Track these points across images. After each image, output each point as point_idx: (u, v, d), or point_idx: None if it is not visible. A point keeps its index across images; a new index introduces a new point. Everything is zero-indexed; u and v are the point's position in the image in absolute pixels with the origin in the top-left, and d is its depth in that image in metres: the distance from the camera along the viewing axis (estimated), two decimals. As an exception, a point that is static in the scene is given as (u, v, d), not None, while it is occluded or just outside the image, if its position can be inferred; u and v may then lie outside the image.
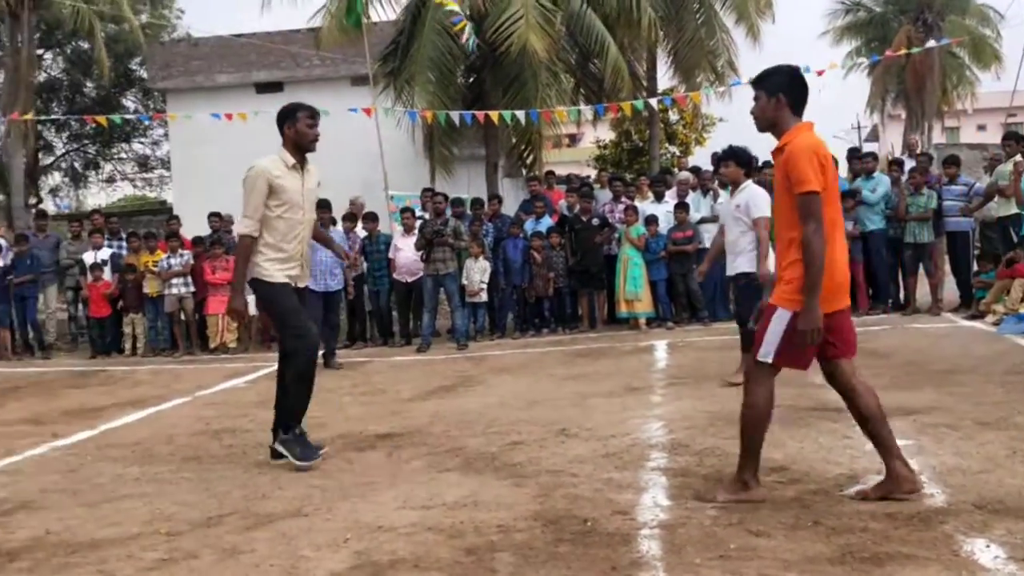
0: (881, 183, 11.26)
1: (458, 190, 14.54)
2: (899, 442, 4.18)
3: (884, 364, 7.67)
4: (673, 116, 23.78)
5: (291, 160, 5.32)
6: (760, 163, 9.88)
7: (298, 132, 5.31)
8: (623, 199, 12.11)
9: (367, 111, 14.20)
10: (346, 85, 18.70)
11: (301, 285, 5.46)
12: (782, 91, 4.03)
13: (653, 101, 17.46)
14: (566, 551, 3.61)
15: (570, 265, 11.68)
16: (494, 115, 14.32)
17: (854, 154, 12.71)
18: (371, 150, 14.11)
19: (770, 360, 4.01)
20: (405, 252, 11.42)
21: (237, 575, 3.56)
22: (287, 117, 5.35)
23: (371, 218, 11.94)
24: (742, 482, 4.12)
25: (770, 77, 4.11)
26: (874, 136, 42.00)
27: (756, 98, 4.14)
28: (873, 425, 4.05)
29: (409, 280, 11.51)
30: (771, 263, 5.78)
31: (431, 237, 10.79)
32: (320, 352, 9.76)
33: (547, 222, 12.12)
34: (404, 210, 12.08)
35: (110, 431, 6.85)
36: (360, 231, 11.89)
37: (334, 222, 11.20)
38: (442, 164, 15.80)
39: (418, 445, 5.76)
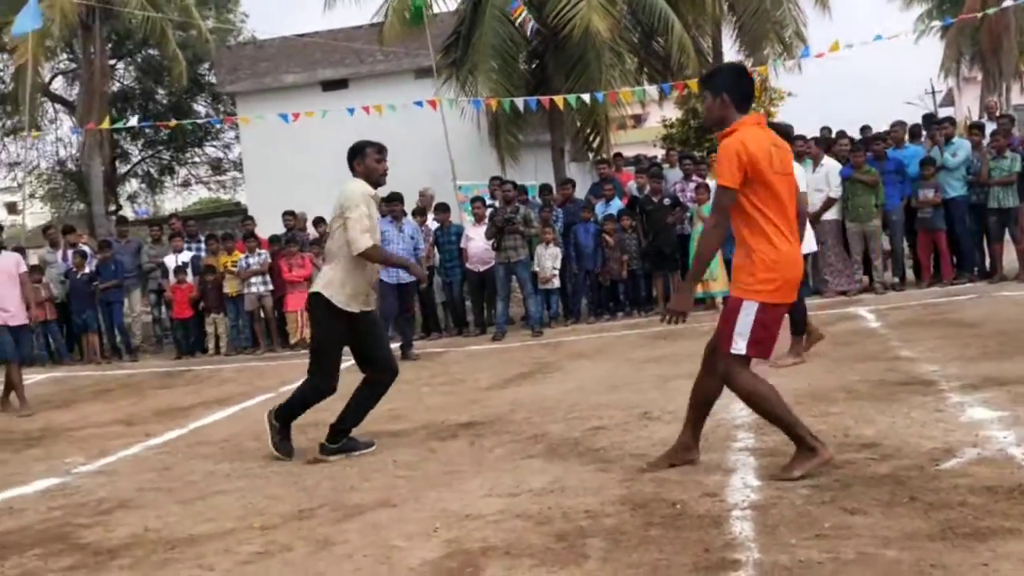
0: (961, 148, 10.88)
1: (525, 177, 14.52)
2: (994, 413, 4.36)
3: (973, 334, 7.42)
4: (741, 91, 23.28)
5: (372, 191, 5.46)
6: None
7: (367, 168, 5.47)
8: (694, 177, 11.93)
9: (432, 103, 14.24)
10: (410, 79, 18.80)
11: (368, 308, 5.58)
12: (725, 90, 4.21)
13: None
14: (657, 534, 3.57)
15: (643, 247, 11.57)
16: (558, 99, 14.24)
17: (931, 120, 12.30)
18: (437, 142, 14.16)
19: (743, 352, 4.17)
20: (476, 242, 11.45)
21: (331, 566, 3.60)
22: (356, 155, 5.51)
23: (442, 209, 12.01)
24: (808, 449, 4.11)
25: (714, 77, 4.37)
26: (949, 100, 40.63)
27: (703, 97, 4.41)
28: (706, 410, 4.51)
29: (481, 269, 11.54)
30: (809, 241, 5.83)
31: (502, 225, 10.79)
32: (398, 344, 9.95)
33: (617, 204, 12.01)
34: (474, 200, 12.11)
35: (199, 429, 7.01)
36: (431, 222, 11.97)
37: (405, 214, 11.28)
38: (508, 152, 15.78)
39: (500, 433, 5.77)
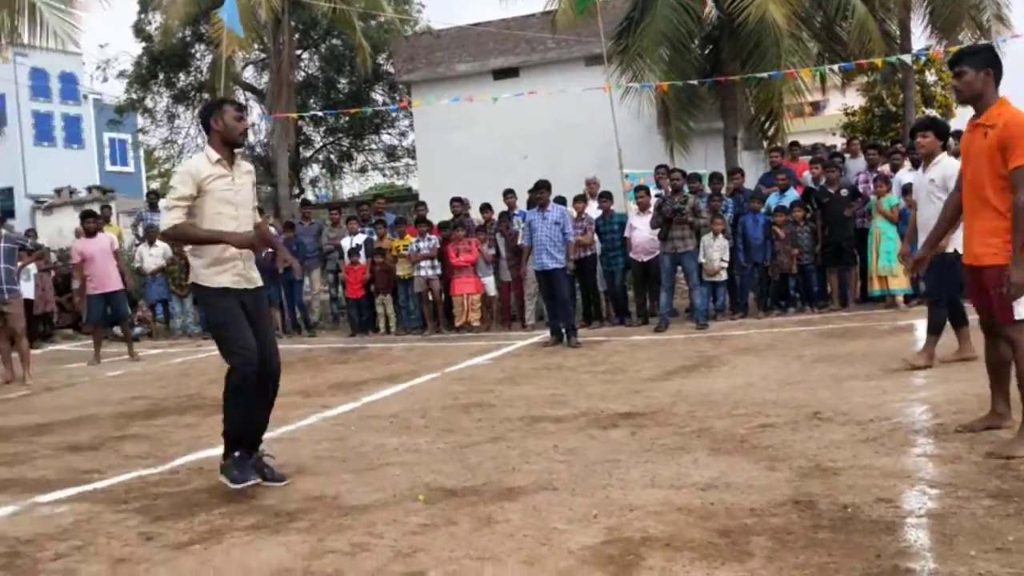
0: None
1: (694, 165, 14.26)
2: None
3: None
4: (930, 77, 21.98)
5: (215, 156, 4.83)
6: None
7: (226, 125, 4.85)
8: (879, 168, 11.35)
9: (602, 89, 14.19)
10: (580, 66, 18.82)
11: (250, 287, 4.91)
12: (989, 65, 4.41)
13: (907, 57, 16.22)
14: (826, 537, 3.45)
15: (818, 240, 11.14)
16: (736, 79, 13.87)
17: None
18: (604, 129, 14.11)
19: None
20: (640, 231, 11.35)
21: (494, 543, 3.68)
22: (213, 111, 4.91)
23: (605, 197, 11.97)
24: None
25: (979, 53, 4.57)
26: None
27: (960, 73, 4.46)
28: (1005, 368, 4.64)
29: (645, 259, 11.44)
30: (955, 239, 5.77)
31: (669, 215, 10.63)
32: (562, 328, 10.03)
33: (792, 195, 11.61)
34: (638, 188, 12.00)
35: (370, 403, 7.30)
36: (594, 211, 11.95)
37: (564, 201, 11.36)
38: (678, 139, 15.52)
39: (662, 425, 5.71)
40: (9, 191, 32.89)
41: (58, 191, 28.86)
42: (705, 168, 14.28)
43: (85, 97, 36.36)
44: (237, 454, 4.77)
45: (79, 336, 14.58)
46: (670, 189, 11.07)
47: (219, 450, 5.36)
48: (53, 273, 14.79)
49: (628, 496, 4.20)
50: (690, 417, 5.87)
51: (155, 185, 34.57)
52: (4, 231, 10.43)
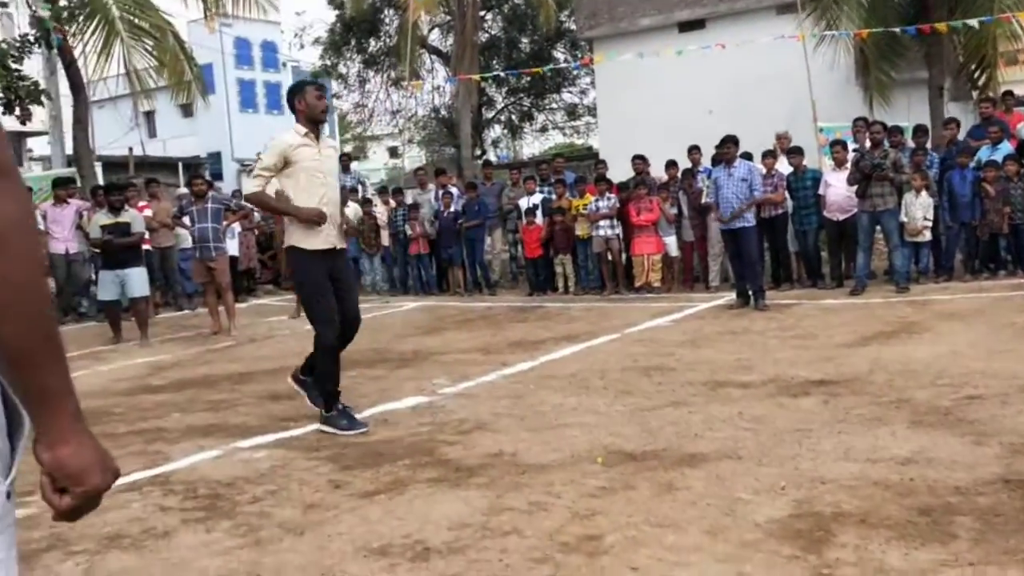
0: None
1: (896, 118, 13.31)
2: None
3: None
4: None
5: (303, 130, 5.34)
6: None
7: (308, 105, 5.33)
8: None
9: (795, 38, 13.47)
10: (771, 15, 17.93)
11: (338, 246, 5.44)
12: None
13: None
14: (1044, 523, 3.13)
15: (1034, 198, 10.17)
16: (940, 26, 12.81)
17: None
18: (796, 82, 13.43)
19: None
20: (836, 188, 10.73)
21: (675, 511, 3.57)
22: (296, 93, 5.41)
23: (796, 152, 11.38)
24: None
25: None
26: None
27: None
28: None
29: (840, 218, 10.82)
30: None
31: (868, 171, 9.98)
32: (748, 290, 9.68)
33: (1005, 149, 10.62)
34: (834, 143, 11.32)
35: (549, 363, 7.30)
36: (784, 167, 11.40)
37: (750, 158, 10.86)
38: (878, 90, 14.53)
39: (858, 394, 5.39)
40: (217, 155, 35.22)
41: (260, 154, 30.68)
42: (908, 120, 13.32)
43: (284, 65, 38.31)
44: (342, 407, 5.38)
45: (279, 291, 15.45)
46: (869, 143, 10.38)
47: (404, 402, 5.65)
48: (256, 232, 15.68)
49: (819, 468, 3.98)
50: (888, 386, 5.50)
51: (348, 149, 36.14)
52: (212, 192, 11.12)
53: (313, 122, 5.38)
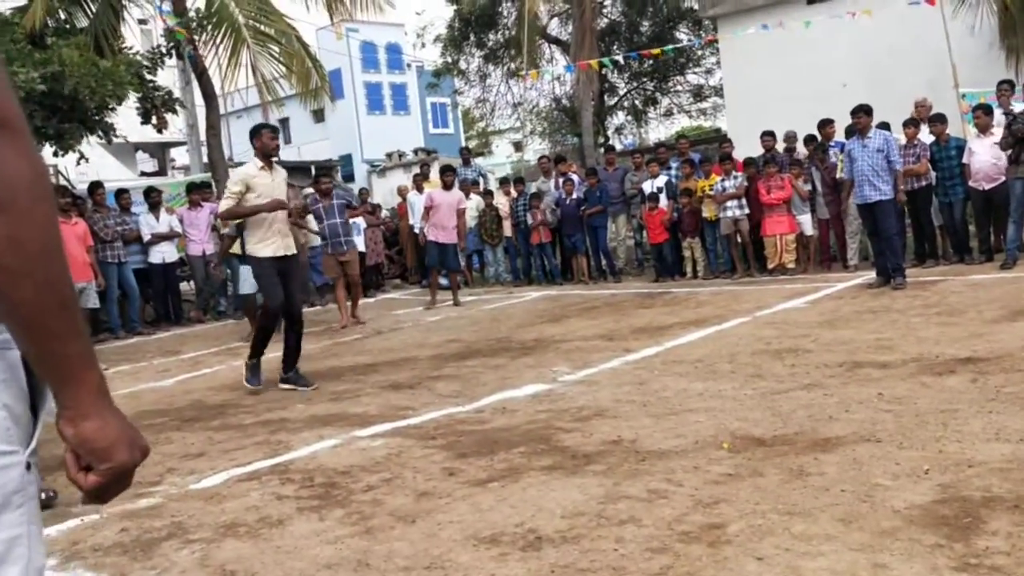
0: None
1: (1047, 80, 12.34)
2: None
3: None
4: None
5: (259, 164, 6.73)
6: None
7: (263, 144, 6.70)
8: None
9: (931, 1, 12.66)
10: (906, -21, 16.94)
11: (286, 254, 6.85)
12: None
13: None
14: None
15: None
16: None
17: None
18: (934, 48, 12.61)
19: None
20: (981, 155, 9.99)
21: (806, 497, 3.32)
22: (253, 135, 6.78)
23: (938, 120, 10.65)
24: None
25: None
26: None
27: None
28: None
29: (987, 187, 10.06)
30: None
31: (1021, 134, 9.23)
32: (889, 268, 9.13)
33: None
34: (976, 108, 10.55)
35: (674, 348, 7.05)
36: (926, 136, 10.70)
37: (887, 127, 10.21)
38: (1025, 51, 13.51)
39: (1009, 371, 4.95)
40: (348, 157, 36.19)
41: (388, 155, 31.35)
42: (1061, 81, 12.31)
43: (408, 66, 39.03)
44: (254, 362, 6.83)
45: (407, 285, 15.66)
46: (1015, 108, 9.60)
47: (523, 390, 5.83)
48: (383, 228, 15.95)
49: (967, 450, 3.64)
50: (1047, 363, 5.03)
51: (472, 143, 36.47)
52: (337, 189, 11.33)
53: (267, 156, 6.75)
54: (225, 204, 6.77)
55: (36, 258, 1.03)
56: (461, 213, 12.06)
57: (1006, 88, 10.90)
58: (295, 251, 7.05)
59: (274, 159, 6.88)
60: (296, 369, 6.90)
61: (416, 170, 18.23)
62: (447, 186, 12.12)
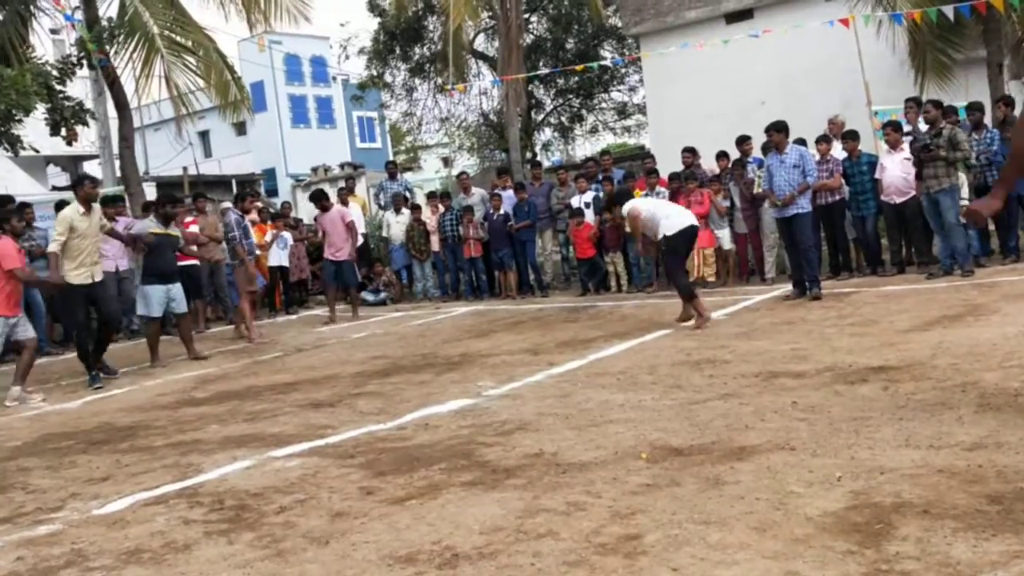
0: None
1: (955, 98, 12.79)
2: None
3: None
4: None
5: (81, 209, 8.36)
6: None
7: (86, 193, 8.52)
8: None
9: (844, 22, 13.05)
10: (819, 2, 17.44)
11: (94, 281, 8.50)
12: None
13: None
14: None
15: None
16: (997, 2, 12.26)
17: None
18: (848, 67, 12.99)
19: None
20: (892, 171, 10.30)
21: (722, 506, 3.34)
22: (75, 186, 8.78)
23: (850, 137, 10.96)
24: None
25: None
26: None
27: None
28: None
29: (898, 201, 10.36)
30: None
31: (918, 152, 9.56)
32: (805, 280, 9.34)
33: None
34: (886, 124, 10.89)
35: (598, 360, 7.08)
36: (839, 152, 10.99)
37: (803, 143, 10.45)
38: (936, 71, 14.00)
39: (920, 379, 5.07)
40: (272, 171, 35.67)
41: (314, 169, 30.97)
42: (966, 100, 12.78)
43: (334, 79, 38.65)
44: (94, 373, 8.46)
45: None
46: (924, 124, 9.93)
47: (447, 406, 5.91)
48: (306, 242, 15.71)
49: (878, 457, 3.71)
50: (953, 370, 5.18)
51: (400, 158, 36.24)
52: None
53: (87, 203, 8.45)
54: (54, 246, 8.21)
55: None
56: (350, 225, 12.61)
57: (911, 105, 11.28)
58: (102, 278, 8.66)
59: (93, 203, 8.59)
60: (103, 360, 8.80)
61: (341, 184, 18.02)
62: (325, 209, 12.64)
